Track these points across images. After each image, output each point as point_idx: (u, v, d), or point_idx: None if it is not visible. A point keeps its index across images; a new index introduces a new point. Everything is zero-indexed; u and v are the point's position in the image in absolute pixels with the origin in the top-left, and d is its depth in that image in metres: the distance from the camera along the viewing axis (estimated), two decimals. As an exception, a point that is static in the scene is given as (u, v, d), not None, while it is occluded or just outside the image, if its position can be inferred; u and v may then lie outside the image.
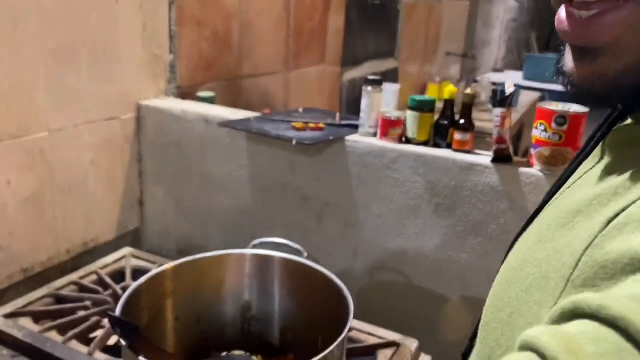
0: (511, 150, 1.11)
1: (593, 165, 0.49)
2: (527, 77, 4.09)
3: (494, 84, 2.98)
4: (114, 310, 0.66)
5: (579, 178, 0.50)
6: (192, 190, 1.46)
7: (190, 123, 1.41)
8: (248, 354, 0.84)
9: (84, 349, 0.97)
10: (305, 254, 0.86)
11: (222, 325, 0.86)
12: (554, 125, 1.03)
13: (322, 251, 1.32)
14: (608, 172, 0.45)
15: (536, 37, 5.25)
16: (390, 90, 1.38)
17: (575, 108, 1.04)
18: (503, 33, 4.59)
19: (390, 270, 1.27)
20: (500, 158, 1.10)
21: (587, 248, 0.39)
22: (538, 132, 1.06)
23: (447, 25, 3.39)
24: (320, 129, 1.28)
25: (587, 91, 0.43)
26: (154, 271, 0.76)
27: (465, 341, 0.68)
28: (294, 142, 1.19)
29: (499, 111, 1.09)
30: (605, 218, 0.39)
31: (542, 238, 0.46)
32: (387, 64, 2.75)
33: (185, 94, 1.56)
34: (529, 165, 1.09)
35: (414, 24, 2.93)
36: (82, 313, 1.07)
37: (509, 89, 1.08)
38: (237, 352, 0.84)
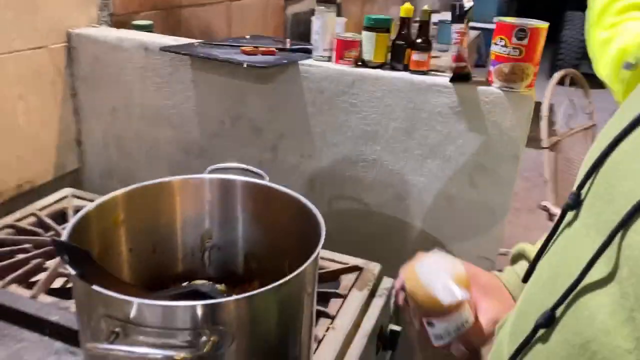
0: (470, 69, 1.07)
1: None
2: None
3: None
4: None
5: None
6: (134, 126, 1.35)
7: (127, 52, 1.29)
8: (210, 283, 0.79)
9: (26, 293, 0.88)
10: (267, 178, 0.80)
11: (181, 255, 0.79)
12: (513, 39, 1.00)
13: (278, 183, 1.26)
14: None
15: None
16: (339, 23, 1.30)
17: (534, 22, 1.00)
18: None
19: (349, 198, 1.23)
20: (459, 77, 1.07)
21: None
22: (497, 48, 1.02)
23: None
24: (272, 53, 1.19)
25: None
26: (104, 197, 0.68)
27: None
28: (245, 65, 1.10)
29: (457, 27, 1.04)
30: None
31: None
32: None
33: (120, 22, 1.42)
34: (488, 83, 1.06)
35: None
36: (21, 256, 0.98)
37: (468, 3, 1.03)
38: (199, 282, 0.78)
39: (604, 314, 0.40)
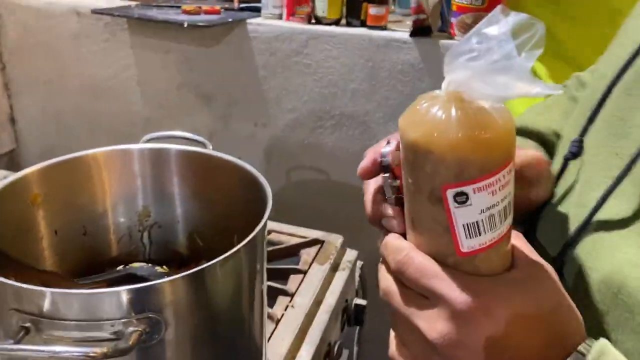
0: (431, 21, 1.01)
1: None
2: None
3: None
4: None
5: None
6: (72, 99, 1.27)
7: (58, 18, 1.20)
8: (150, 265, 0.72)
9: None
10: (210, 146, 0.73)
11: (116, 236, 0.72)
12: (475, -13, 0.94)
13: (232, 155, 1.20)
14: None
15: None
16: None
17: (496, -33, 0.95)
18: None
19: (309, 168, 1.18)
20: (420, 30, 1.02)
21: None
22: (458, -3, 0.97)
23: None
24: (217, 12, 1.12)
25: None
26: (15, 175, 0.60)
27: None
28: (185, 25, 1.02)
29: (415, -23, 0.98)
30: None
31: None
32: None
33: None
34: (451, 36, 1.02)
35: None
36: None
37: (426, -50, 0.97)
38: (136, 265, 0.71)
39: (627, 246, 0.39)
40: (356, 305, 0.99)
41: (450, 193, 0.34)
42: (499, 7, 0.33)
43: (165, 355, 0.51)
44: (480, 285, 0.34)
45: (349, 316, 0.98)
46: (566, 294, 0.36)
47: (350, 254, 1.02)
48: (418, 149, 0.34)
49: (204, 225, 0.73)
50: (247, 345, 0.62)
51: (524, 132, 0.65)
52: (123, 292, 0.47)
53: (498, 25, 0.32)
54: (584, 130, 0.51)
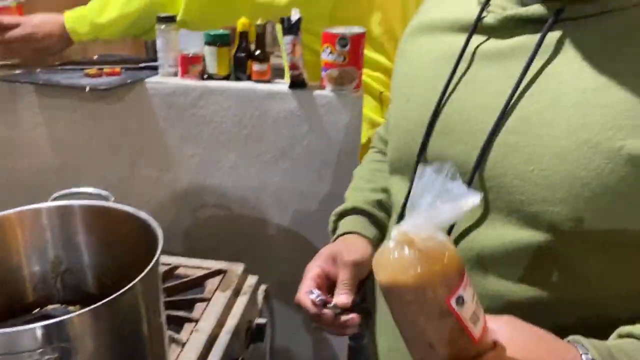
0: (305, 76, 1.18)
1: (546, 63, 0.55)
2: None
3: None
4: None
5: (540, 74, 0.55)
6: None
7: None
8: (64, 306, 0.83)
9: None
10: (113, 198, 0.85)
11: (31, 284, 0.82)
12: (337, 47, 1.11)
13: (142, 199, 1.30)
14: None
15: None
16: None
17: (354, 30, 1.13)
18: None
19: (213, 205, 1.30)
20: (296, 84, 1.17)
21: None
22: (325, 55, 1.13)
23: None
24: (118, 74, 1.23)
25: None
26: None
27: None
28: (87, 89, 1.13)
29: (289, 39, 1.14)
30: None
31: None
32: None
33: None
34: (322, 87, 1.17)
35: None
36: None
37: (295, 16, 1.13)
38: (51, 307, 0.82)
39: None
40: (257, 324, 1.11)
41: (453, 302, 0.43)
42: (426, 169, 0.45)
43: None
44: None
45: (252, 334, 1.10)
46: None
47: (251, 280, 1.15)
48: (418, 288, 0.43)
49: (109, 267, 0.84)
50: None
51: (357, 211, 0.82)
52: (37, 328, 0.59)
53: (429, 177, 0.44)
54: (415, 167, 0.64)
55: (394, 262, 0.45)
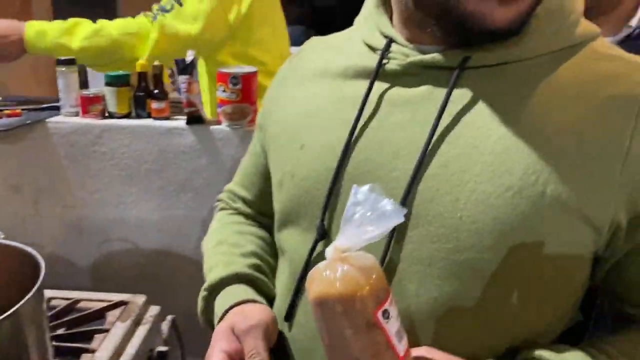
0: (202, 112, 1.25)
1: (460, 110, 0.55)
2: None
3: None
4: None
5: (454, 121, 0.54)
6: None
7: None
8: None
9: None
10: (2, 235, 0.88)
11: None
12: (230, 85, 1.19)
13: (45, 236, 1.32)
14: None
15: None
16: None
17: (245, 69, 1.21)
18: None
19: (117, 239, 1.33)
20: (193, 120, 1.24)
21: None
22: (220, 93, 1.21)
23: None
24: (18, 115, 1.26)
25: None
26: None
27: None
28: (-16, 130, 1.16)
29: (184, 78, 1.22)
30: None
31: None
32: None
33: None
34: (218, 123, 1.24)
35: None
36: None
37: (189, 58, 1.21)
38: None
39: None
40: (159, 352, 1.13)
41: (380, 314, 0.45)
42: (360, 188, 0.48)
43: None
44: None
45: None
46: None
47: (154, 310, 1.17)
48: (349, 299, 0.45)
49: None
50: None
51: (237, 279, 0.71)
52: None
53: (361, 195, 0.47)
54: (323, 220, 0.59)
55: (328, 276, 0.46)
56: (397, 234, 0.54)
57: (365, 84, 0.59)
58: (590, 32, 0.57)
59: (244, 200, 0.79)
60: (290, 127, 0.65)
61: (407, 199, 0.53)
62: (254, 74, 1.21)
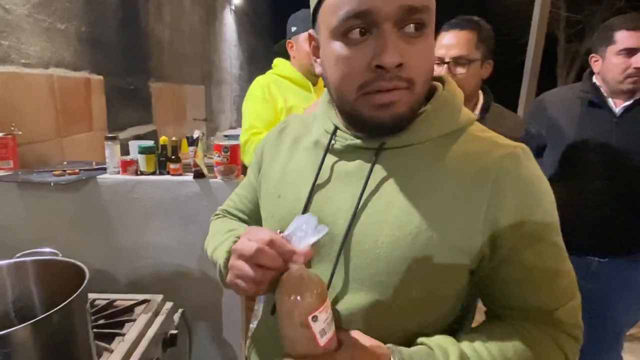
0: (204, 170, 1.26)
1: (380, 179, 0.53)
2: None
3: (225, 136, 3.18)
4: None
5: (376, 186, 0.53)
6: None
7: (-37, 183, 1.21)
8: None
9: None
10: (60, 254, 0.86)
11: (-4, 318, 0.79)
12: (223, 152, 1.22)
13: (94, 257, 1.28)
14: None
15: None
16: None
17: (231, 142, 1.24)
18: (232, 103, 4.88)
19: (143, 257, 1.30)
20: (197, 175, 1.25)
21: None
22: (216, 157, 1.23)
23: (191, 100, 3.48)
24: (77, 174, 1.25)
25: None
26: None
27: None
28: (52, 184, 1.14)
29: (192, 148, 1.24)
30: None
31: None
32: (147, 128, 2.71)
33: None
34: (215, 177, 1.25)
35: (164, 99, 2.95)
36: None
37: (195, 135, 1.24)
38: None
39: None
40: (171, 334, 1.11)
41: (310, 318, 0.46)
42: (297, 216, 0.48)
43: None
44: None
45: (167, 341, 1.08)
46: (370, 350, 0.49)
47: (168, 304, 1.14)
48: (293, 305, 0.46)
49: (54, 301, 0.82)
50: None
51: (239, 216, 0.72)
52: None
53: (299, 220, 0.48)
54: None
55: (293, 284, 0.47)
56: (339, 263, 0.54)
57: (322, 155, 0.58)
58: (468, 119, 0.56)
59: (232, 214, 0.77)
60: (272, 180, 0.63)
61: (345, 240, 0.53)
62: (237, 145, 1.24)
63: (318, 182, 0.57)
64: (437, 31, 1.13)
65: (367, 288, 0.52)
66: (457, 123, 0.55)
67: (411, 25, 0.48)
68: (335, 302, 0.55)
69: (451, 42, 1.09)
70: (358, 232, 0.52)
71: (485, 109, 1.15)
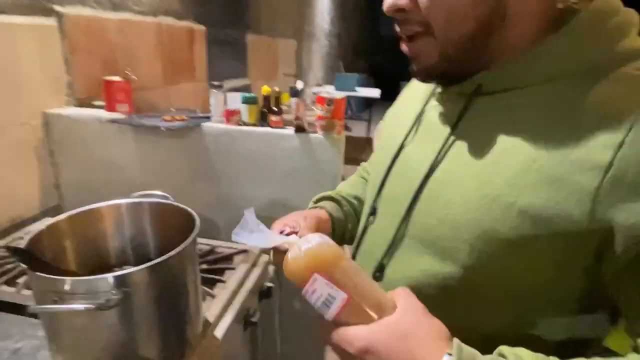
0: (305, 124, 1.20)
1: (467, 129, 0.48)
2: (337, 89, 4.32)
3: (314, 93, 3.12)
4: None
5: (461, 138, 0.48)
6: (97, 173, 1.35)
7: (87, 123, 1.30)
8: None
9: (11, 290, 0.88)
10: (172, 199, 0.86)
11: (114, 252, 0.83)
12: (325, 105, 1.14)
13: (198, 203, 1.30)
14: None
15: (342, 63, 5.52)
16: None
17: (337, 94, 1.15)
18: (320, 60, 4.77)
19: (242, 207, 1.30)
20: (298, 129, 1.19)
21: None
22: (318, 111, 1.15)
23: (282, 55, 3.44)
24: (184, 120, 1.26)
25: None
26: (52, 220, 0.72)
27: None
28: (163, 129, 1.16)
29: (294, 100, 1.17)
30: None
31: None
32: (242, 82, 2.74)
33: (84, 103, 1.42)
34: (315, 132, 1.18)
35: (259, 53, 2.94)
36: (9, 266, 0.97)
37: (299, 86, 1.16)
38: (126, 267, 0.82)
39: (419, 263, 0.49)
40: (267, 286, 1.11)
41: (304, 290, 0.43)
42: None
43: (133, 313, 0.61)
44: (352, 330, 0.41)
45: (263, 293, 1.09)
46: (424, 325, 0.40)
47: (264, 257, 1.15)
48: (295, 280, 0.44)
49: (165, 242, 0.84)
50: (188, 307, 0.71)
51: (335, 197, 0.73)
52: (109, 277, 0.59)
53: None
54: (376, 199, 0.58)
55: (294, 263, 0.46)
56: (405, 218, 0.51)
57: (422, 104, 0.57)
58: (624, 51, 0.40)
59: (367, 171, 0.80)
60: (385, 132, 0.65)
61: (416, 196, 0.50)
62: (344, 99, 1.14)
63: (412, 132, 0.55)
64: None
65: (428, 252, 0.48)
66: (596, 58, 0.41)
67: None
68: (394, 262, 0.52)
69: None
70: (430, 188, 0.49)
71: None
